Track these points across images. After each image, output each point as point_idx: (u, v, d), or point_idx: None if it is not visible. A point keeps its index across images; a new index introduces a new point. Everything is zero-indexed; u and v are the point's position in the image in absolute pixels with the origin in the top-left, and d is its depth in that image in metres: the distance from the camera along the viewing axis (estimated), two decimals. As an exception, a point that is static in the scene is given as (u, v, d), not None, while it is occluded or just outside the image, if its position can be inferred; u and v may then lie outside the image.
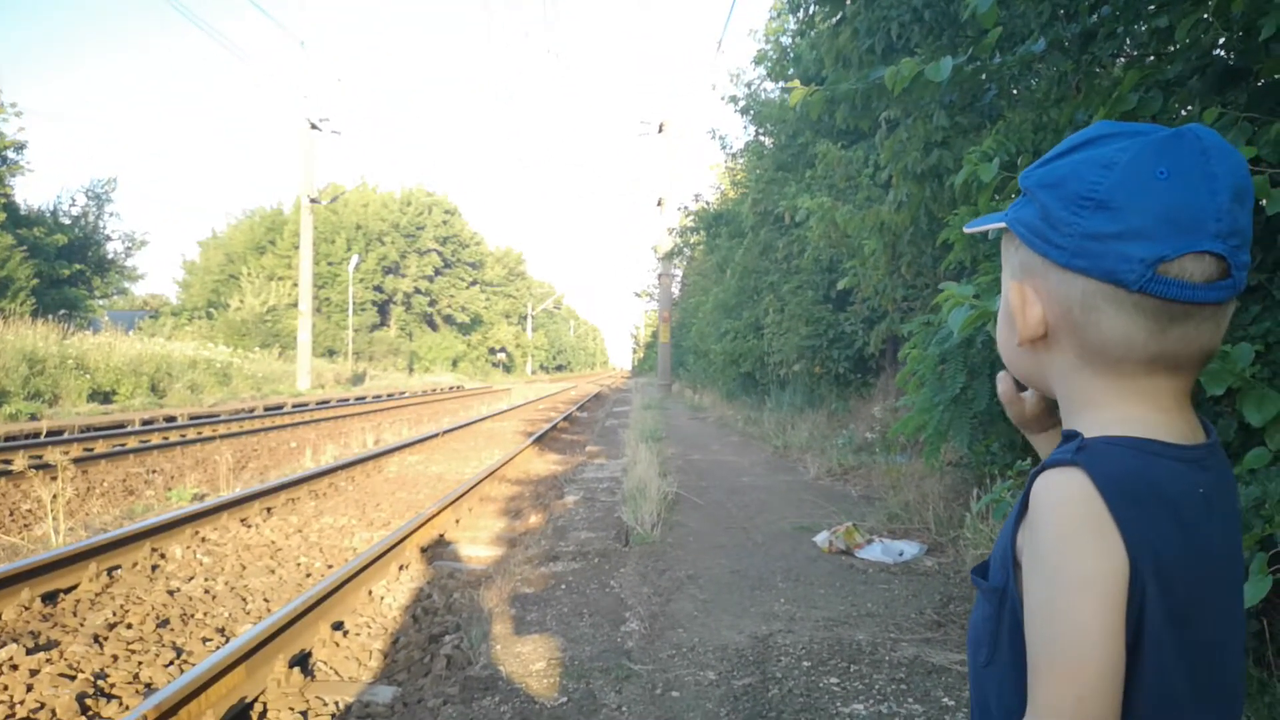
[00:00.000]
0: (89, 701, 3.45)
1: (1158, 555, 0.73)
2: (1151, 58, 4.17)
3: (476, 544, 6.47)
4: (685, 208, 20.30)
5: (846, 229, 6.91)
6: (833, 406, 12.47)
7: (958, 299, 2.92)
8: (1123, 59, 4.51)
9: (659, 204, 28.52)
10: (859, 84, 4.61)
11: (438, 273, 63.57)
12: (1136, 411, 0.79)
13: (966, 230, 0.96)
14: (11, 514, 7.22)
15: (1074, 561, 0.73)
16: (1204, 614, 0.75)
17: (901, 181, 5.53)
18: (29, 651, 3.94)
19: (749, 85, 15.92)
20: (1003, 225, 0.87)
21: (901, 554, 5.17)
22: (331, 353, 47.09)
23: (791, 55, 11.75)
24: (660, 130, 28.57)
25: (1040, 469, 0.79)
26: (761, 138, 15.62)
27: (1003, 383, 1.00)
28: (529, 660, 3.56)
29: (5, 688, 3.54)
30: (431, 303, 63.49)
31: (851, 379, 12.84)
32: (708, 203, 20.01)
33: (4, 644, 4.01)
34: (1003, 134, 4.24)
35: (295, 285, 37.47)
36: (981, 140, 4.46)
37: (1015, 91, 5.35)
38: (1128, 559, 0.72)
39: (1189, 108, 3.77)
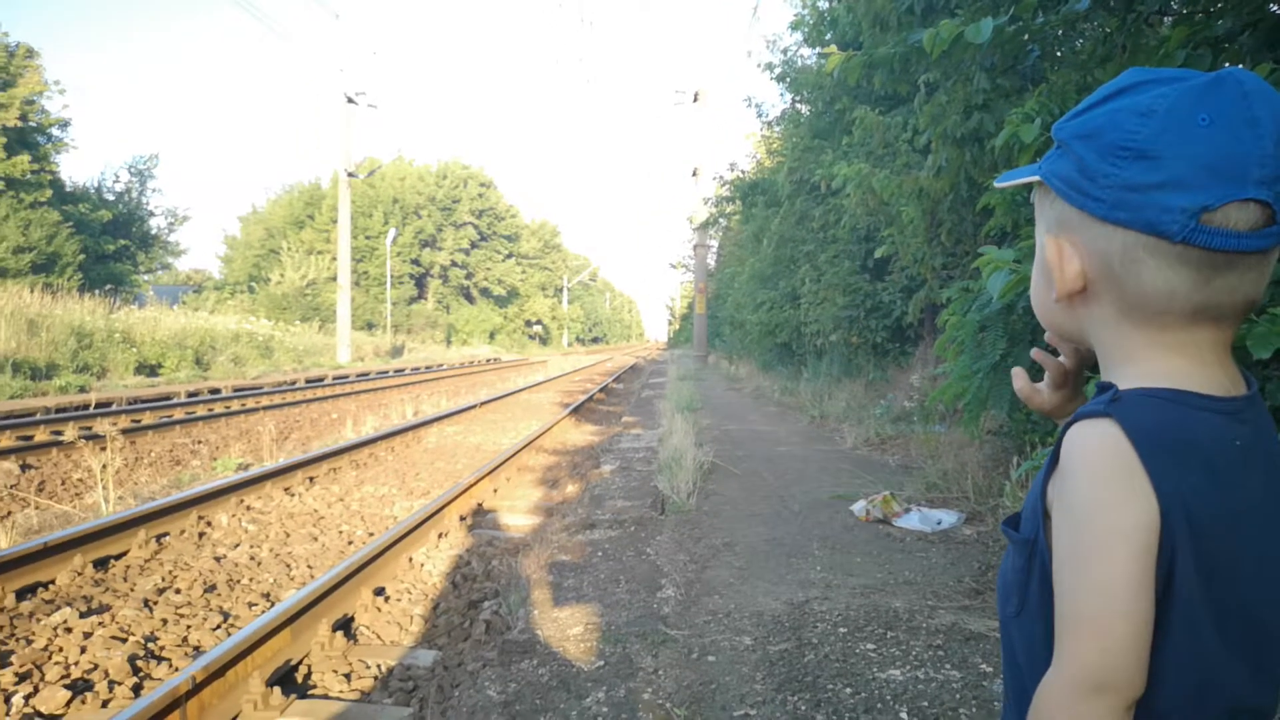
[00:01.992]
0: (140, 663, 3.55)
1: (1190, 507, 0.72)
2: (1200, 15, 4.04)
3: (514, 512, 6.54)
4: (721, 177, 20.13)
5: (884, 196, 6.81)
6: (870, 376, 12.38)
7: (997, 264, 2.87)
8: (1169, 16, 4.38)
9: (694, 174, 28.35)
10: (897, 48, 4.52)
11: (474, 245, 63.82)
12: (1176, 364, 0.78)
13: (998, 185, 0.94)
14: (63, 483, 7.42)
15: (1104, 513, 0.72)
16: (1237, 568, 0.74)
17: (941, 146, 5.43)
18: (82, 615, 4.06)
19: (785, 52, 15.69)
20: (1036, 179, 0.85)
21: (940, 523, 5.14)
22: (370, 326, 47.59)
23: (829, 19, 11.54)
24: (695, 100, 28.33)
25: (1072, 420, 0.78)
26: (798, 105, 15.41)
27: (1018, 379, 1.00)
28: (566, 625, 3.61)
29: (61, 649, 3.66)
30: (468, 275, 63.81)
31: (889, 348, 12.72)
32: (743, 172, 19.83)
33: (59, 608, 4.15)
34: (1045, 96, 4.14)
35: (334, 259, 37.83)
36: (1023, 102, 4.37)
37: (1059, 53, 5.22)
38: (1159, 511, 0.71)
39: (1240, 65, 3.66)
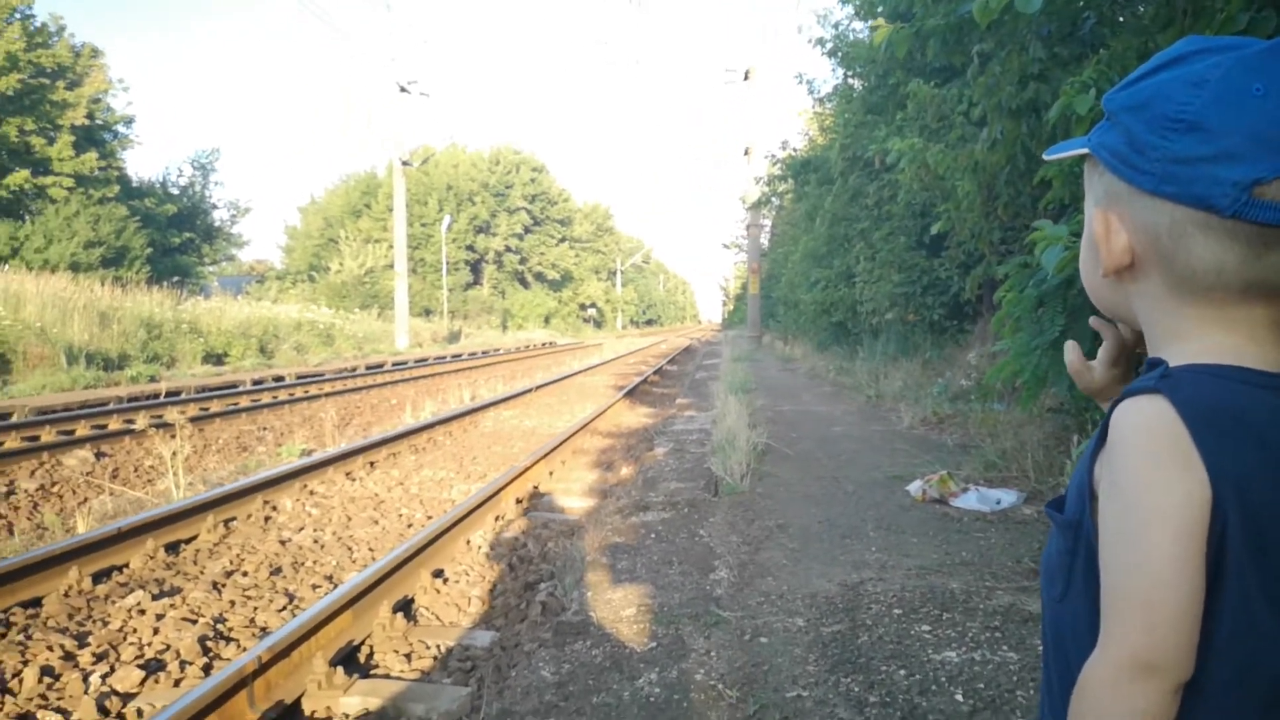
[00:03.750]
0: (209, 643, 3.68)
1: (1242, 486, 0.70)
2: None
3: (569, 495, 6.60)
4: (772, 156, 19.92)
5: (939, 170, 6.68)
6: (927, 355, 12.19)
7: (1051, 239, 2.81)
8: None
9: (745, 153, 28.11)
10: (947, 18, 4.42)
11: (527, 230, 64.22)
12: (1228, 340, 0.76)
13: (1047, 157, 0.92)
14: (136, 470, 7.69)
15: (1153, 491, 0.71)
16: None
17: (996, 118, 5.32)
18: (154, 597, 4.22)
19: (836, 26, 15.41)
20: (1085, 151, 0.83)
21: (999, 502, 5.06)
22: (428, 312, 48.24)
23: (880, -9, 11.32)
24: (746, 78, 28.04)
25: (1121, 397, 0.76)
26: (850, 80, 15.15)
27: (1071, 352, 0.97)
28: (620, 607, 3.64)
29: (135, 630, 3.81)
30: (522, 260, 64.27)
31: (947, 326, 12.51)
32: (795, 150, 19.60)
33: (132, 591, 4.31)
34: (1105, 64, 4.02)
35: (391, 247, 38.38)
36: (1081, 71, 4.24)
37: (1120, 18, 5.06)
38: (1210, 489, 0.69)
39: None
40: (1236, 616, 0.71)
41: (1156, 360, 0.79)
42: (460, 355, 27.56)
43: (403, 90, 30.24)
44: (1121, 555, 0.72)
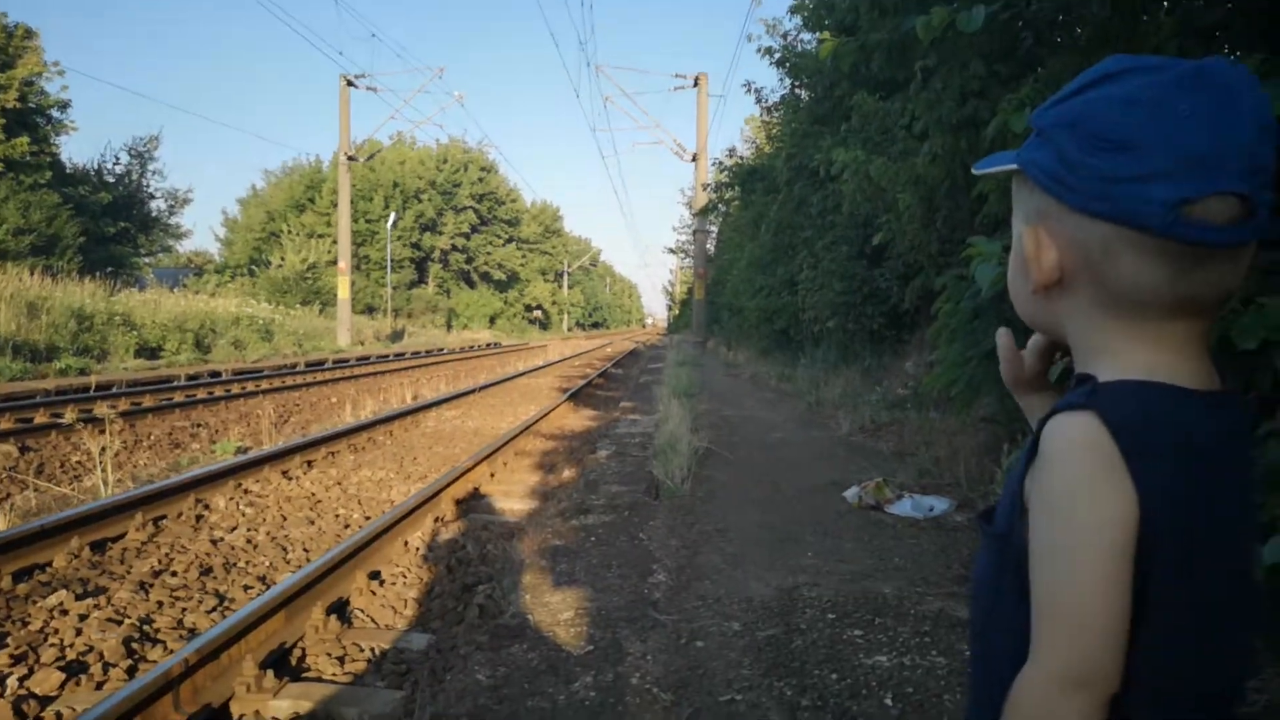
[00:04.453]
0: (135, 645, 3.58)
1: (1169, 502, 0.71)
2: (1200, 3, 4.03)
3: (510, 497, 6.57)
4: (719, 163, 20.09)
5: (881, 182, 6.81)
6: (866, 363, 12.38)
7: (985, 254, 2.88)
8: (1166, 3, 4.36)
9: (693, 159, 28.26)
10: (890, 34, 4.50)
11: (474, 230, 63.70)
12: (1154, 357, 0.77)
13: (976, 171, 0.92)
14: (62, 465, 7.46)
15: (1083, 507, 0.72)
16: (1215, 566, 0.74)
17: (936, 133, 5.42)
18: (78, 597, 4.10)
19: (785, 36, 15.60)
20: (1014, 167, 0.84)
21: (931, 509, 5.17)
22: (371, 310, 47.59)
23: (827, 3, 11.48)
24: (695, 84, 28.19)
25: (1052, 412, 0.77)
26: (797, 90, 15.34)
27: (1003, 337, 0.97)
28: (558, 610, 3.64)
29: (56, 631, 3.70)
30: (469, 260, 63.72)
31: (886, 335, 12.72)
32: (743, 157, 19.79)
33: (55, 590, 4.18)
34: (1041, 82, 4.13)
35: (334, 243, 37.77)
36: (1020, 89, 4.36)
37: (1057, 39, 5.20)
38: (1138, 506, 0.71)
39: (1235, 55, 3.66)
40: (1160, 633, 0.72)
41: (1086, 375, 0.80)
42: (403, 354, 27.24)
43: (350, 84, 29.81)
44: (1052, 571, 0.73)
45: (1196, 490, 0.73)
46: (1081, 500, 0.72)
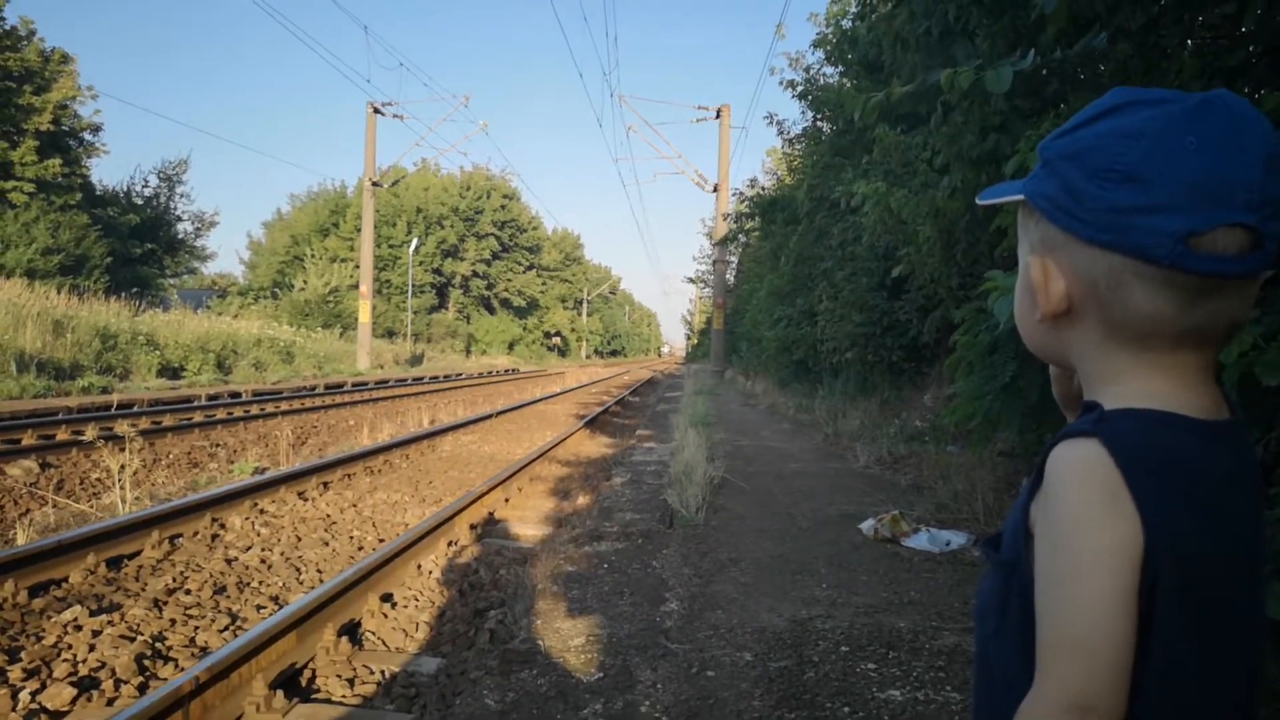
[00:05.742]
0: (147, 662, 3.59)
1: (1174, 532, 0.71)
2: (1224, 42, 4.03)
3: (524, 522, 6.56)
4: (741, 193, 20.19)
5: (902, 215, 6.81)
6: (885, 395, 12.33)
7: (1003, 289, 2.88)
8: (1190, 43, 4.36)
9: (715, 190, 28.41)
10: (915, 88, 4.51)
11: (495, 256, 64.18)
12: (1161, 386, 0.77)
13: (980, 202, 0.92)
14: (82, 482, 7.52)
15: (1087, 535, 0.72)
16: (1220, 597, 0.73)
17: (957, 167, 5.43)
18: (92, 613, 4.11)
19: (808, 70, 15.74)
20: (1020, 197, 0.84)
21: (949, 543, 5.11)
22: (391, 334, 47.91)
23: (850, 38, 11.57)
24: (718, 116, 28.42)
25: (1057, 439, 0.77)
26: (819, 123, 15.44)
27: None
28: (569, 636, 3.62)
29: (70, 647, 3.70)
30: (489, 286, 64.15)
31: (905, 367, 12.67)
32: (764, 188, 19.88)
33: (69, 606, 4.20)
34: (1063, 118, 4.13)
35: (357, 267, 38.17)
36: (1040, 125, 4.37)
37: (1081, 76, 5.21)
38: (1143, 535, 0.70)
39: (1259, 95, 3.65)
40: (1165, 664, 0.72)
41: (1092, 403, 0.80)
42: (422, 378, 27.36)
43: (377, 111, 30.23)
44: (1057, 597, 0.73)
45: (1201, 519, 0.73)
46: (1085, 528, 0.72)
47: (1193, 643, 0.73)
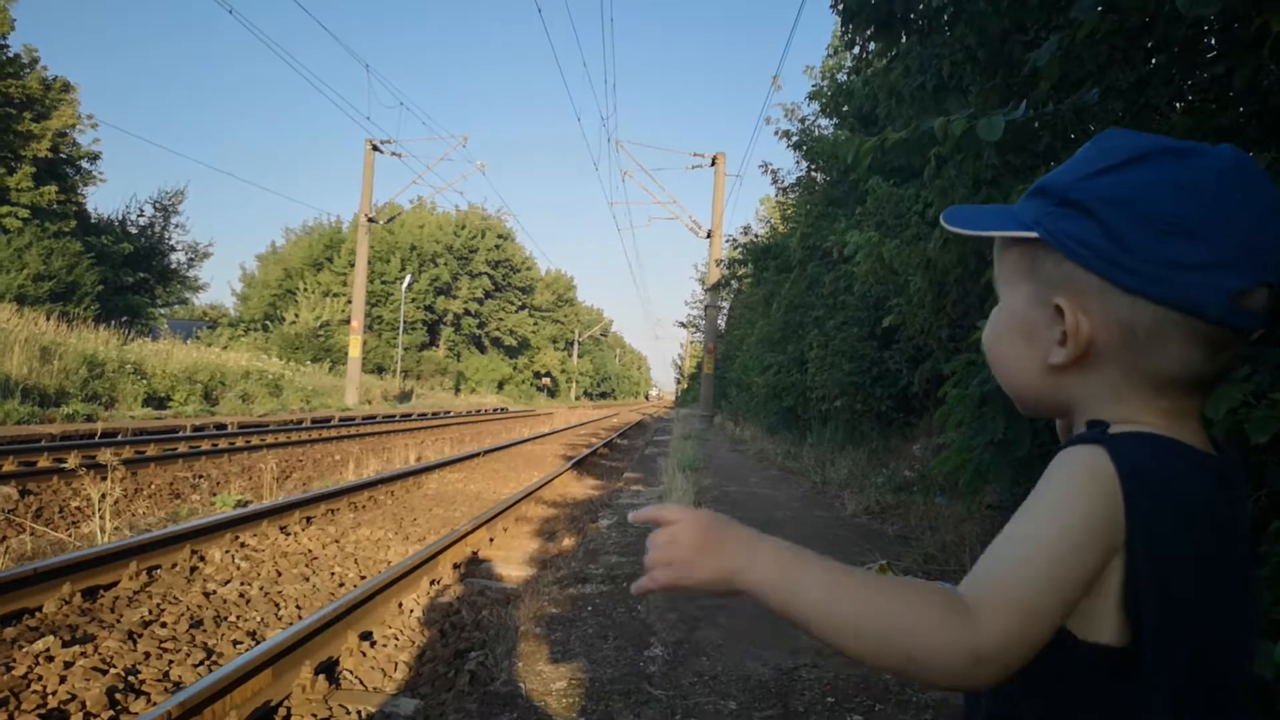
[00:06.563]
0: (118, 696, 3.51)
1: (1159, 553, 0.71)
2: (1213, 104, 4.10)
3: (509, 563, 6.49)
4: (734, 240, 20.36)
5: (893, 265, 6.86)
6: (874, 444, 12.31)
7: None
8: (1180, 103, 4.44)
9: (708, 236, 28.61)
10: (909, 135, 4.57)
11: (488, 295, 64.30)
12: (1164, 423, 0.77)
13: (948, 227, 0.88)
14: (61, 510, 7.42)
15: (1070, 511, 0.72)
16: (1208, 620, 0.72)
17: (949, 219, 5.49)
18: (65, 644, 4.03)
19: (803, 121, 15.98)
20: (1030, 234, 0.81)
21: (935, 595, 5.07)
22: (381, 369, 47.78)
23: (845, 91, 11.77)
24: (713, 163, 28.71)
25: (1063, 446, 0.77)
26: (813, 173, 15.63)
27: None
28: (550, 679, 3.56)
29: (40, 678, 3.63)
30: (480, 325, 64.18)
31: (894, 417, 12.67)
32: (757, 235, 20.05)
33: (42, 635, 4.12)
34: (1054, 174, 4.19)
35: (349, 302, 38.17)
36: (1032, 179, 4.41)
37: (1072, 136, 5.30)
38: (1124, 546, 0.70)
39: (1250, 156, 3.71)
40: (1154, 679, 0.71)
41: (1098, 420, 0.78)
42: (410, 415, 27.25)
43: (375, 149, 30.45)
44: (1015, 549, 0.72)
45: (1190, 545, 0.72)
46: (1071, 504, 0.72)
47: (1179, 661, 0.71)
